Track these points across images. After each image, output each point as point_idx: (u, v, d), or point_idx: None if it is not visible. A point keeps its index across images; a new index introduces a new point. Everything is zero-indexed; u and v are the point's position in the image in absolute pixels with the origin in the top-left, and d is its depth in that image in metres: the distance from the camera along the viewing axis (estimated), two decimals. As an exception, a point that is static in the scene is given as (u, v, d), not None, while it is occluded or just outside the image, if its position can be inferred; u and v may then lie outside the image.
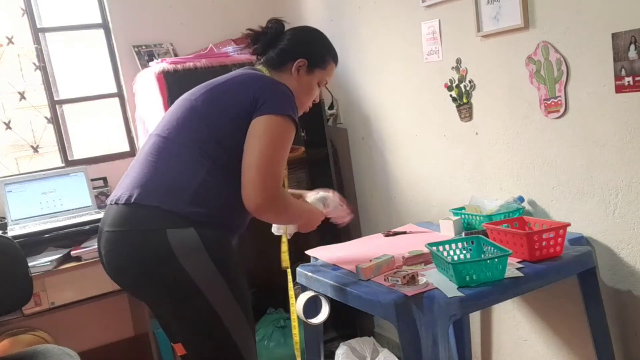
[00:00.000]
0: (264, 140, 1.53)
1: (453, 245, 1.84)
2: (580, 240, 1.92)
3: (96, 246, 2.62)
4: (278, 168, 1.54)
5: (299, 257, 2.00)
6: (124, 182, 1.63)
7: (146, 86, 2.92)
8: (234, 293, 1.54)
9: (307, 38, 1.80)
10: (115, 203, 1.58)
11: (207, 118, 1.60)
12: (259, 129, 1.54)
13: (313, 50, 1.77)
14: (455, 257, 1.82)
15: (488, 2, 2.08)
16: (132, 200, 1.53)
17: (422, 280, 1.69)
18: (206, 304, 1.50)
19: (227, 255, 1.56)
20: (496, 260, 1.63)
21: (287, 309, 3.09)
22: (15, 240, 2.45)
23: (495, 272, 1.62)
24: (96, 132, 3.31)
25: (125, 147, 3.31)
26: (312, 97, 1.82)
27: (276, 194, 1.54)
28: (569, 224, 1.77)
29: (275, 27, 1.76)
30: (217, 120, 1.59)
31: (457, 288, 1.60)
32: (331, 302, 1.96)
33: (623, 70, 1.71)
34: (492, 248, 1.73)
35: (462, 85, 2.29)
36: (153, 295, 1.62)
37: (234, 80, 1.67)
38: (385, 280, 1.73)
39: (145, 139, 3.00)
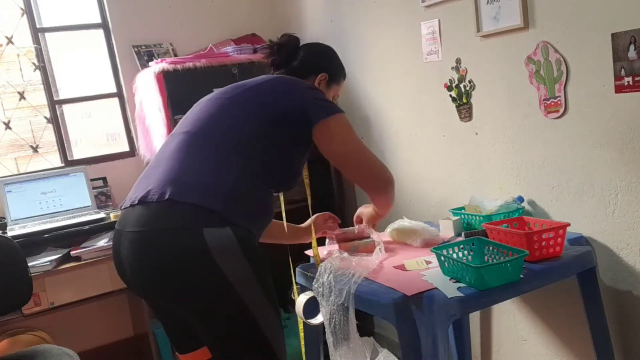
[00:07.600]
0: (348, 137, 1.67)
1: (456, 248, 1.82)
2: (580, 240, 1.92)
3: (97, 246, 2.72)
4: (368, 151, 1.73)
5: (298, 257, 2.00)
6: (146, 182, 1.53)
7: (146, 86, 2.92)
8: (267, 294, 1.50)
9: (327, 55, 1.93)
10: (140, 203, 1.47)
11: (245, 117, 1.59)
12: (334, 130, 1.64)
13: (333, 66, 1.90)
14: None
15: (488, 2, 2.08)
16: (166, 197, 1.43)
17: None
18: (242, 305, 1.45)
19: (259, 255, 1.52)
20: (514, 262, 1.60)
21: (286, 309, 3.10)
22: (15, 240, 2.45)
23: (513, 273, 1.61)
24: (95, 130, 3.31)
25: (125, 147, 3.32)
26: None
27: (387, 169, 1.75)
28: (568, 224, 1.77)
29: (292, 41, 1.87)
30: (258, 120, 1.59)
31: (457, 288, 1.60)
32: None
33: (623, 70, 1.71)
34: (494, 247, 1.72)
35: (461, 85, 2.29)
36: (181, 298, 1.47)
37: (270, 82, 1.69)
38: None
39: (144, 139, 3.05)
